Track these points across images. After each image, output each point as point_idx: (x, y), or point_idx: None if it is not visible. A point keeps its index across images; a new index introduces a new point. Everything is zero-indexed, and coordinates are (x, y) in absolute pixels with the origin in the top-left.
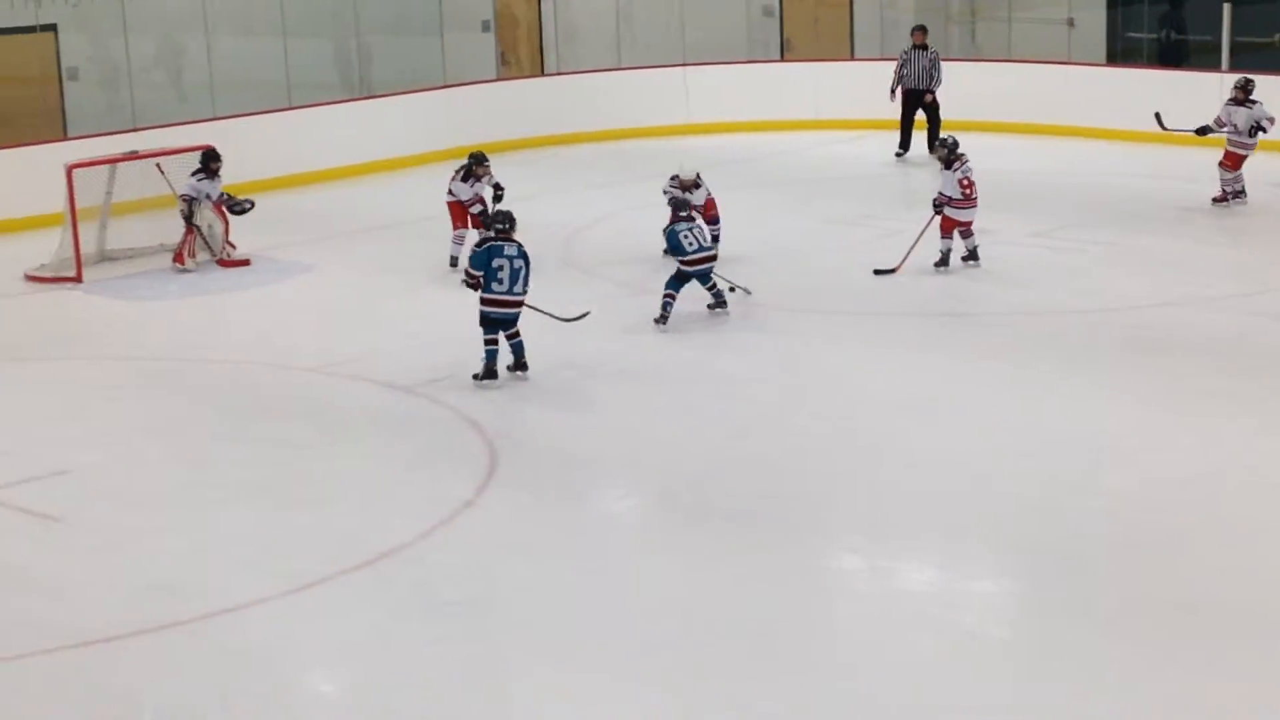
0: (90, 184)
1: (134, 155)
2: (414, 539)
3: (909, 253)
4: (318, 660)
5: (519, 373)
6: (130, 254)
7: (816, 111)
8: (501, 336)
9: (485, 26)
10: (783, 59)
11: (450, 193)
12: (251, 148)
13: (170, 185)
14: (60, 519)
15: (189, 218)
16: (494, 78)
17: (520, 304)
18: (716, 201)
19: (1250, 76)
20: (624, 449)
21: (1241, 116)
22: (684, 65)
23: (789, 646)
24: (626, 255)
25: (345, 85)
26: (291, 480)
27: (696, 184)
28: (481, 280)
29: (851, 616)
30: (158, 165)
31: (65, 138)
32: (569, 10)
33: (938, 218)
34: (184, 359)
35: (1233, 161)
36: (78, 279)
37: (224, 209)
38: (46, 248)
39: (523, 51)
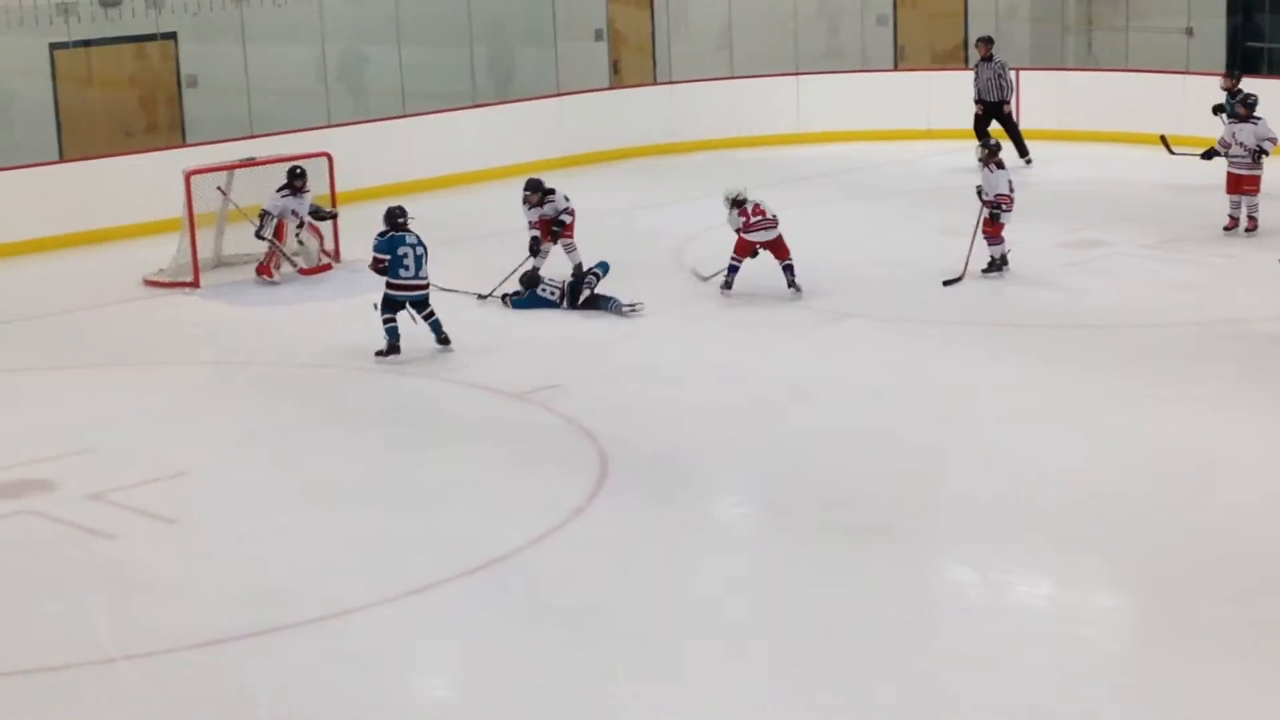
0: (208, 190)
1: (251, 162)
2: (525, 545)
3: (968, 259)
4: (428, 665)
5: (444, 347)
6: (246, 260)
7: (929, 121)
8: (420, 318)
9: (598, 35)
10: (896, 68)
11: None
12: (364, 155)
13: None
14: (177, 521)
15: (259, 232)
16: (606, 86)
17: (425, 287)
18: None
19: (1253, 92)
20: (736, 457)
21: (1248, 134)
22: (796, 74)
23: (899, 658)
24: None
25: (458, 94)
26: (402, 485)
27: (739, 200)
28: (388, 266)
29: (961, 627)
30: (245, 170)
31: (184, 144)
32: (681, 19)
33: (982, 222)
34: (297, 364)
35: (1254, 185)
36: (195, 284)
37: (312, 220)
38: (165, 253)
39: (634, 60)
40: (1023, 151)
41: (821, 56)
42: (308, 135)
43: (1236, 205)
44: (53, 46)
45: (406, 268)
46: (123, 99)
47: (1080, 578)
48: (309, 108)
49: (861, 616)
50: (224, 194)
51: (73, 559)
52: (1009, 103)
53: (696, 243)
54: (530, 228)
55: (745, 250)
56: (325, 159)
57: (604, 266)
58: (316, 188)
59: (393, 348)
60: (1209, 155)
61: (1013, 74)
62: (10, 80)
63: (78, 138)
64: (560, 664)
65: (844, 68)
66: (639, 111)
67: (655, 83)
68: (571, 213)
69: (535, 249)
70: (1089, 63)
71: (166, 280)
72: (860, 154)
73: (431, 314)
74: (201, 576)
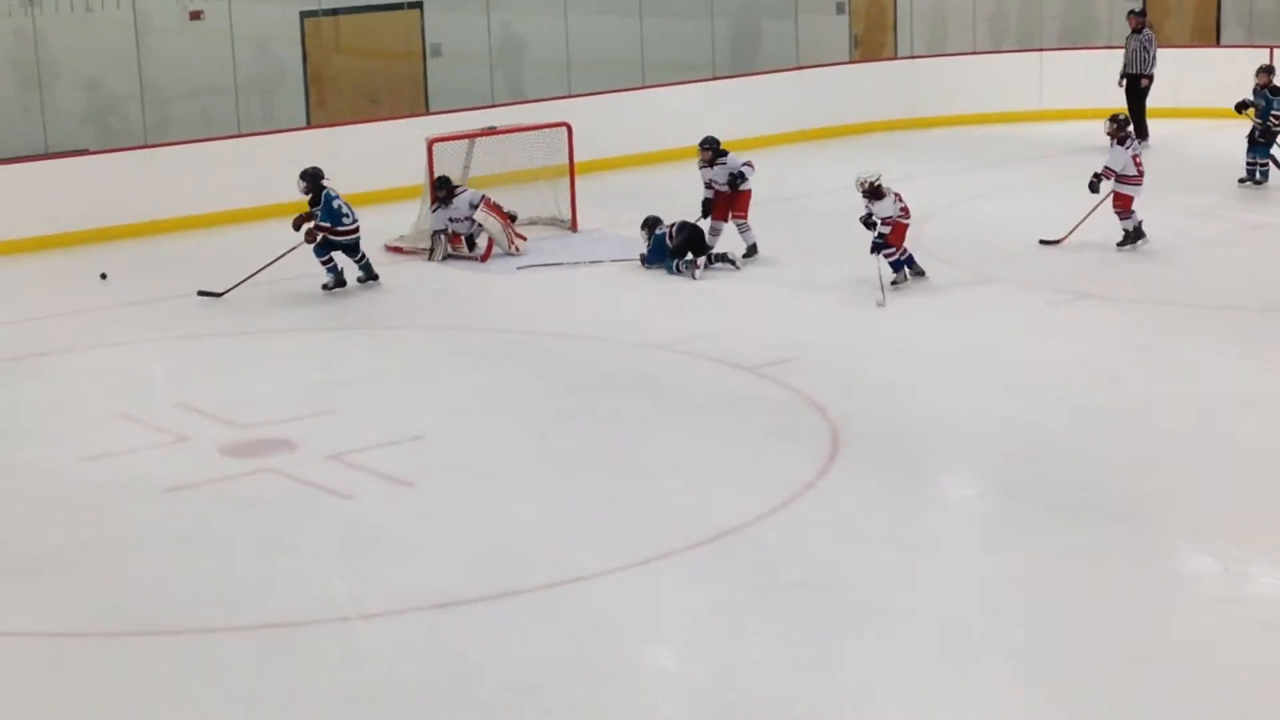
0: (450, 158)
1: (491, 131)
2: (754, 519)
3: (1076, 226)
4: (657, 634)
5: (372, 281)
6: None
7: (1177, 99)
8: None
9: (839, 9)
10: None
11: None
12: (602, 126)
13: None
14: (413, 484)
15: (430, 257)
16: (846, 60)
17: (356, 230)
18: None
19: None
20: (969, 437)
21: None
22: (1040, 50)
23: (1132, 644)
24: (973, 242)
25: (697, 66)
26: (635, 455)
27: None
28: (318, 218)
29: (1197, 616)
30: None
31: (427, 112)
32: None
33: (1109, 195)
34: (533, 332)
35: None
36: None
37: (494, 206)
38: (406, 220)
39: (876, 34)
40: (1142, 132)
41: (1066, 32)
42: (548, 105)
43: None
44: (303, 14)
45: (347, 215)
46: (369, 66)
47: None
48: (550, 78)
49: (1092, 598)
50: (466, 166)
51: (311, 518)
52: (1149, 77)
53: (933, 221)
54: (705, 188)
55: (903, 237)
56: (565, 129)
57: (733, 260)
58: (556, 158)
59: (339, 282)
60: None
61: (1158, 50)
62: (262, 48)
63: (324, 104)
64: (787, 638)
65: (1089, 44)
66: (879, 86)
67: (896, 57)
68: (743, 177)
69: (707, 209)
70: None
71: (407, 246)
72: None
73: (363, 255)
74: (436, 539)
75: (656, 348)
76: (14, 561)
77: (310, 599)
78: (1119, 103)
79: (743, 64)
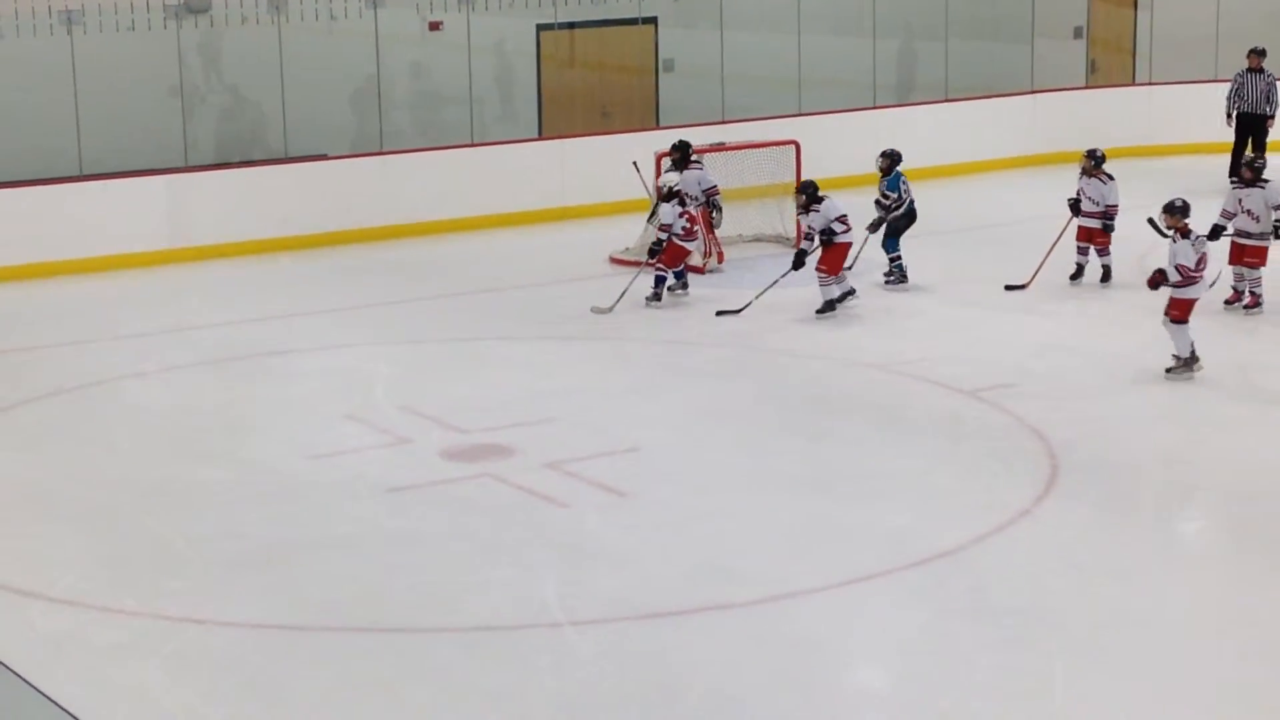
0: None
1: (720, 147)
2: (968, 543)
3: (1039, 268)
4: (866, 654)
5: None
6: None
7: None
8: None
9: (1077, 33)
10: None
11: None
12: (830, 145)
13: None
14: (628, 494)
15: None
16: (1081, 85)
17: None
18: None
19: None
20: (1192, 471)
21: (1258, 200)
22: None
23: None
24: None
25: (930, 87)
26: (849, 474)
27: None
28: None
29: None
30: (634, 164)
31: (657, 127)
32: (1166, 18)
33: (1074, 226)
34: (752, 348)
35: (1258, 257)
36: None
37: (709, 217)
38: (631, 232)
39: (1113, 59)
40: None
41: None
42: (777, 123)
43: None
44: (539, 27)
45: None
46: (601, 80)
47: None
48: (780, 95)
49: None
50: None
51: (526, 524)
52: (1274, 118)
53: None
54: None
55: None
56: (793, 147)
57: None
58: (783, 175)
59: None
60: (1215, 234)
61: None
62: (498, 60)
63: (557, 116)
64: (998, 665)
65: None
66: (1115, 112)
67: (1134, 83)
68: (843, 222)
69: (799, 262)
70: None
71: (631, 259)
72: None
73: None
74: (648, 550)
75: (872, 367)
76: (242, 554)
77: (521, 604)
78: None
79: (976, 87)
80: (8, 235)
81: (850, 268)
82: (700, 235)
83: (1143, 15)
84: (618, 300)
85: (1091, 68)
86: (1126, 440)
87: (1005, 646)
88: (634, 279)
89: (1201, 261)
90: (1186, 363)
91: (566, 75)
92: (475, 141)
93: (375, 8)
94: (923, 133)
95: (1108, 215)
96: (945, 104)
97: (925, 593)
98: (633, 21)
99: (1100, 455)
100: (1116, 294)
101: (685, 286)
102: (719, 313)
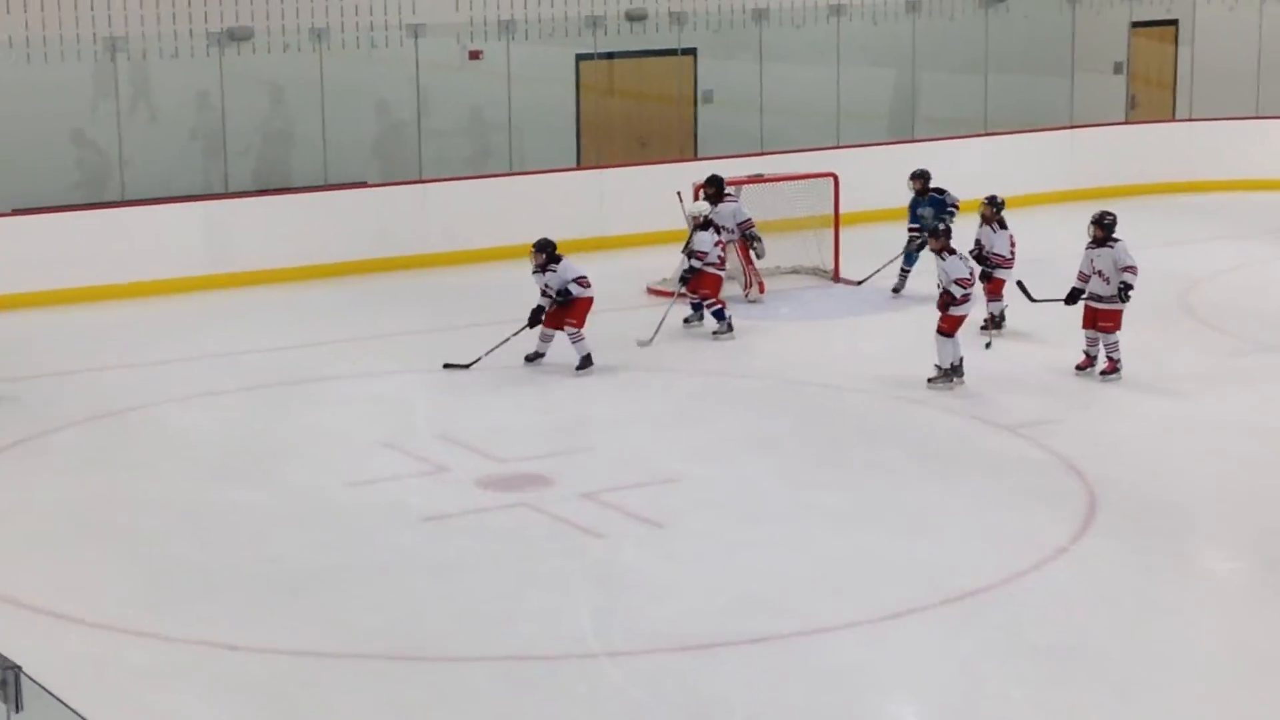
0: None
1: (758, 179)
2: (1004, 580)
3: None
4: (901, 690)
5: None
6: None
7: None
8: None
9: (1117, 69)
10: None
11: None
12: (869, 177)
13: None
14: (665, 525)
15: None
16: (1121, 120)
17: None
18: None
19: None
20: (1231, 509)
21: (1107, 261)
22: None
23: None
24: (1249, 311)
25: (968, 121)
26: (885, 508)
27: None
28: None
29: None
30: (678, 194)
31: (695, 158)
32: (1207, 53)
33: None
34: (791, 379)
35: (1112, 321)
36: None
37: (748, 249)
38: (669, 263)
39: (1154, 95)
40: None
41: None
42: (815, 155)
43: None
44: (578, 57)
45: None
46: (640, 110)
47: None
48: (819, 127)
49: None
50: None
51: (563, 554)
52: None
53: (1205, 287)
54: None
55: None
56: (831, 179)
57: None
58: (821, 207)
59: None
60: (1073, 298)
61: None
62: (538, 89)
63: (595, 146)
64: (1033, 702)
65: None
66: (1155, 147)
67: (1174, 119)
68: (579, 283)
69: (535, 320)
70: None
71: (669, 290)
72: None
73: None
74: (685, 582)
75: (913, 402)
76: (279, 580)
77: (557, 634)
78: None
79: (1016, 121)
80: (50, 260)
81: (861, 282)
82: (740, 265)
83: (1183, 50)
84: (656, 332)
85: (1132, 103)
86: (1163, 477)
87: (1042, 684)
88: (669, 308)
89: (973, 274)
90: (947, 373)
91: (605, 105)
92: (514, 170)
93: (416, 37)
94: (963, 167)
95: (988, 263)
96: (985, 138)
97: (962, 628)
98: (672, 52)
99: (1138, 492)
100: (1157, 330)
101: (730, 329)
102: (446, 365)
